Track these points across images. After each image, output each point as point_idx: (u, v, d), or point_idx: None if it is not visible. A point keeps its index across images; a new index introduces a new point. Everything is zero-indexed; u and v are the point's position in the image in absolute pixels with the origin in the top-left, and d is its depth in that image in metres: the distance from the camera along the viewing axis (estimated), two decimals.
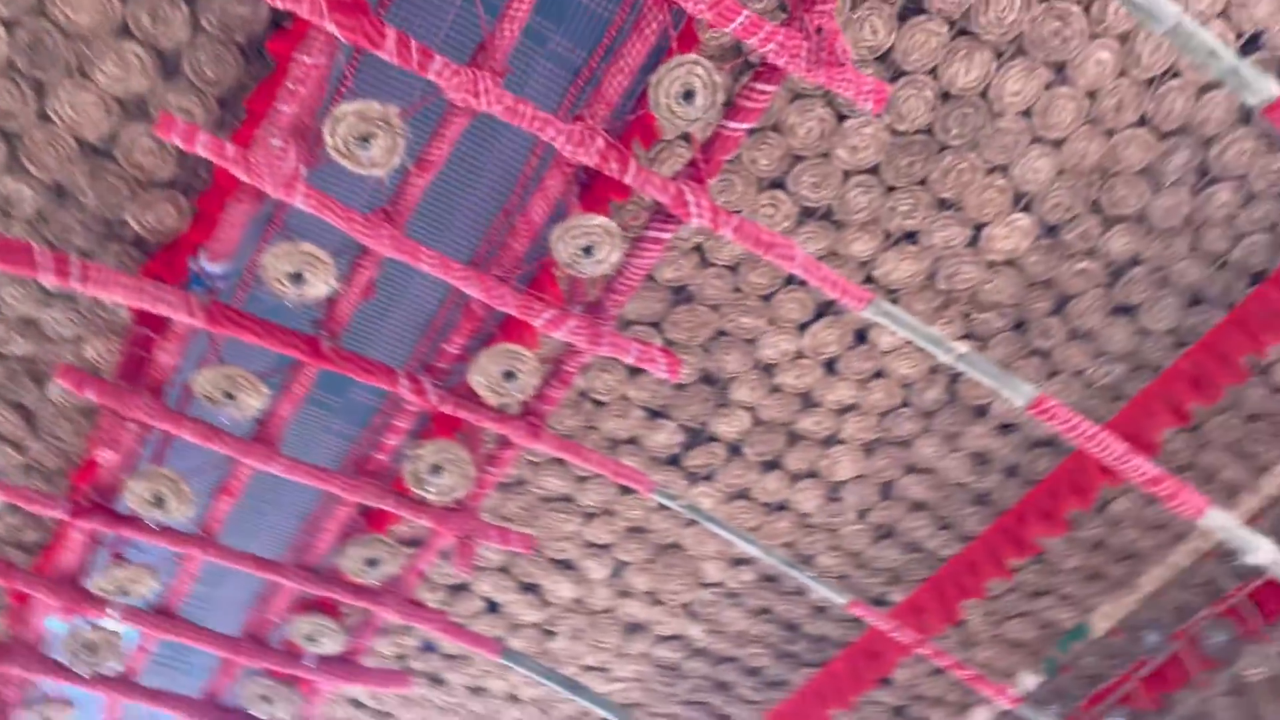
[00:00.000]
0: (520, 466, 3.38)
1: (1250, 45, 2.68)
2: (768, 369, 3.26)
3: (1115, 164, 2.88)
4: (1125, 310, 3.21)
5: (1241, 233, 3.04)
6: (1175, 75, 2.73)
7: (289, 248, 2.19)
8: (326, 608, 2.94)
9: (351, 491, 2.52)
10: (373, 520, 2.86)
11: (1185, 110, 2.78)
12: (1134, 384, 3.34)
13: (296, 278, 2.19)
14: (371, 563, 2.63)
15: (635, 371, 3.19)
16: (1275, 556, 2.35)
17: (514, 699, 4.11)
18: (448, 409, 2.43)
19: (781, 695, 4.16)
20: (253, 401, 2.40)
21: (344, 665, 3.04)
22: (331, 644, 2.95)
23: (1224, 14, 2.63)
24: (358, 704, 4.02)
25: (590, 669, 4.01)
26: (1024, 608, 3.93)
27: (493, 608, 3.78)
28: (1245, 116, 2.82)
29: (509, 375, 2.34)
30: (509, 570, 3.67)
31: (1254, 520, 3.26)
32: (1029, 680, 3.87)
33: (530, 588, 3.75)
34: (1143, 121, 2.81)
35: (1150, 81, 2.75)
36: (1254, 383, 3.31)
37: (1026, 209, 2.96)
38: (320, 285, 2.21)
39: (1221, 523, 2.31)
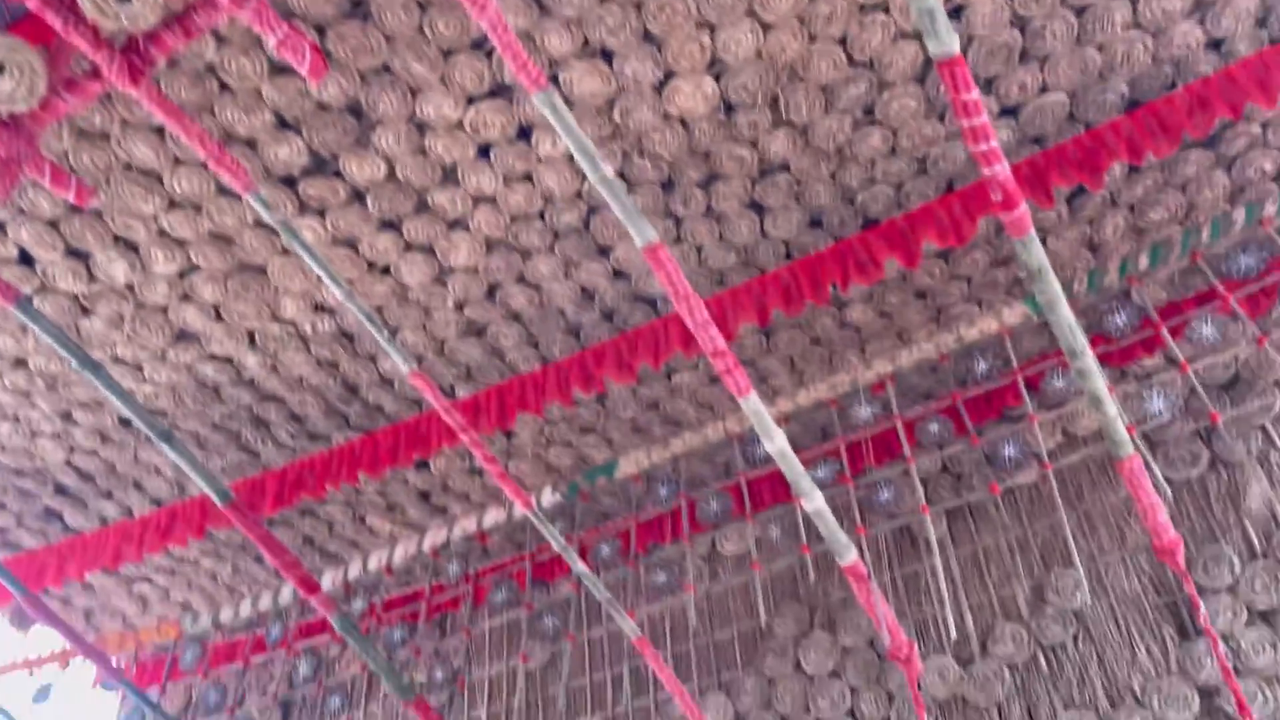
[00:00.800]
0: (110, 120, 2.95)
1: (954, 14, 2.90)
2: (421, 127, 3.09)
3: (805, 70, 3.01)
4: (758, 208, 3.42)
5: (874, 179, 3.33)
6: (885, 11, 2.89)
7: None
8: None
9: None
10: None
11: (879, 48, 2.96)
12: (738, 276, 3.60)
13: None
14: None
15: (279, 70, 2.89)
16: (784, 449, 2.66)
17: (22, 364, 3.67)
18: (33, 4, 2.01)
19: (318, 448, 4.13)
20: None
21: None
22: None
23: None
24: None
25: (121, 361, 3.68)
26: (569, 438, 4.19)
27: (26, 260, 3.32)
28: (921, 77, 3.06)
29: None
30: (59, 227, 3.22)
31: (778, 422, 3.71)
32: (548, 497, 4.18)
33: (79, 255, 3.33)
34: (843, 41, 2.95)
35: (862, 7, 2.88)
36: (830, 311, 3.71)
37: (717, 78, 3.02)
38: None
39: (756, 408, 2.56)
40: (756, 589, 3.68)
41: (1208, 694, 2.97)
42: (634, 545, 4.07)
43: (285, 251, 3.39)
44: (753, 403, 2.59)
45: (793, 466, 2.71)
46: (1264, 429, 3.31)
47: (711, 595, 4.06)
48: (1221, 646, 2.90)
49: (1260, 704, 2.87)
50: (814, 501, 2.81)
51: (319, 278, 3.37)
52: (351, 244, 3.40)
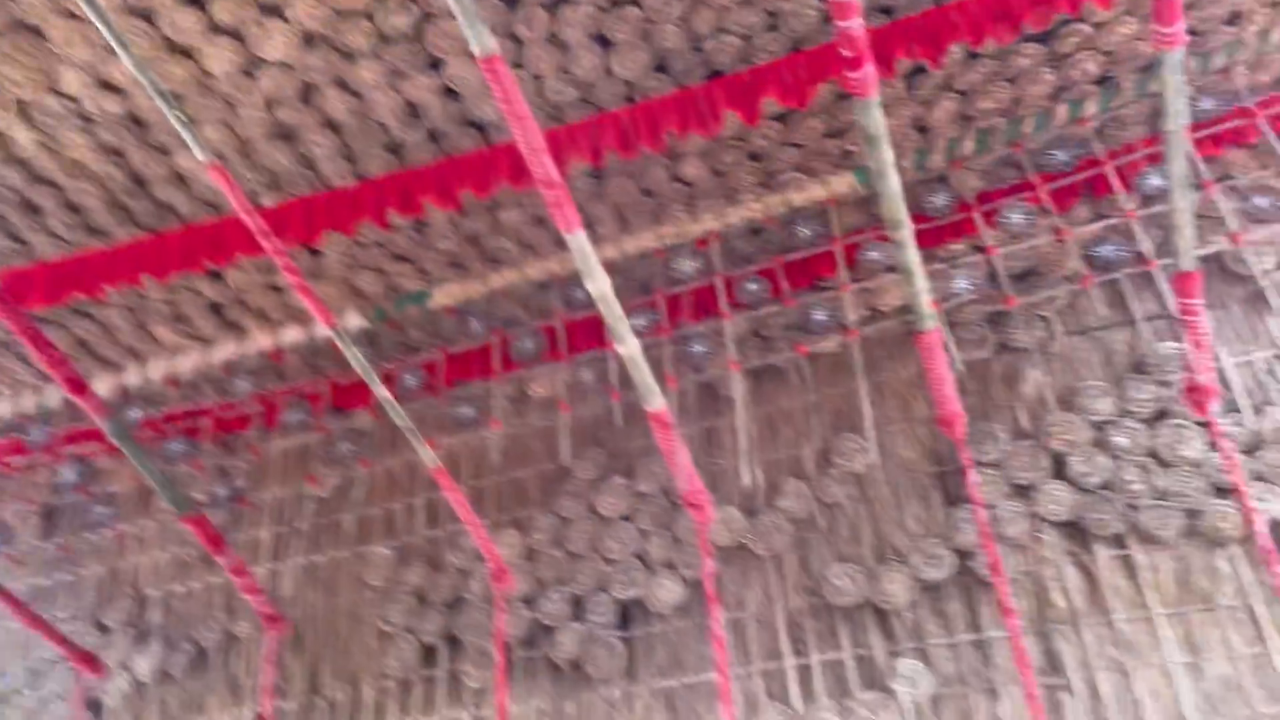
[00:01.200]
0: None
1: None
2: None
3: None
4: (604, 42, 3.27)
5: (725, 28, 3.24)
6: None
7: None
8: None
9: None
10: None
11: None
12: (575, 113, 3.46)
13: None
14: None
15: None
16: (605, 292, 2.62)
17: None
18: None
19: (98, 244, 3.76)
20: None
21: None
22: None
23: None
24: None
25: None
26: (382, 265, 3.99)
27: None
28: None
29: None
30: None
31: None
32: (354, 321, 3.99)
33: None
34: None
35: None
36: (664, 162, 3.64)
37: None
38: None
39: (582, 245, 2.50)
40: (563, 431, 3.68)
41: (964, 555, 3.23)
42: (441, 378, 3.98)
43: (70, 14, 2.98)
44: (579, 240, 2.53)
45: (612, 310, 2.69)
46: (1046, 319, 3.54)
47: (517, 434, 4.04)
48: (983, 514, 3.15)
49: (1010, 567, 3.15)
50: (629, 347, 2.81)
51: (108, 49, 3.00)
52: (147, 16, 3.02)
